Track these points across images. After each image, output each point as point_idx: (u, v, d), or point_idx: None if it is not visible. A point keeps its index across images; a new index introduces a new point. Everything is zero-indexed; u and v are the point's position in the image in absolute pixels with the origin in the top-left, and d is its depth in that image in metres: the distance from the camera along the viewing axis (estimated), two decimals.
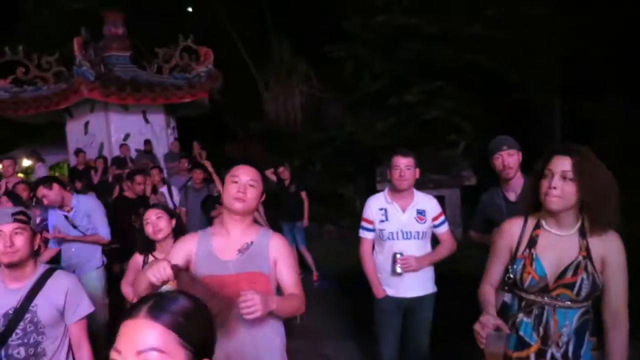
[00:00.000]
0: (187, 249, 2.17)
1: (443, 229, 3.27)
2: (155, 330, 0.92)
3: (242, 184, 2.12)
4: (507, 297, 2.06)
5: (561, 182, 1.84)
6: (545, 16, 8.25)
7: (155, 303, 0.96)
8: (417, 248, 3.18)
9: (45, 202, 4.15)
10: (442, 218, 3.28)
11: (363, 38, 9.65)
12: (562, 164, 1.84)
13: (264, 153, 10.50)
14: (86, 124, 10.59)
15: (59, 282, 2.24)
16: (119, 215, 5.17)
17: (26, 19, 14.84)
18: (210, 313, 1.05)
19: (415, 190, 3.28)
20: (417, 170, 3.21)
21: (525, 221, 2.05)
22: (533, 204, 2.00)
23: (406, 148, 3.32)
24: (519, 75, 8.60)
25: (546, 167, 1.89)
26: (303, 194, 6.81)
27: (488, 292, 2.12)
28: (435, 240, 3.30)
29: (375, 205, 3.32)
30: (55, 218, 4.28)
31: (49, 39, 12.91)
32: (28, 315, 2.15)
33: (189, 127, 11.79)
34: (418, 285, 3.22)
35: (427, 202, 3.26)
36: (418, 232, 3.19)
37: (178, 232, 3.07)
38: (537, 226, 2.01)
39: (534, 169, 1.98)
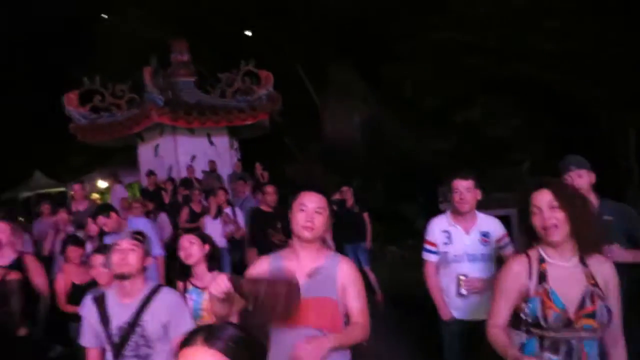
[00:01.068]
0: (259, 272, 2.25)
1: (508, 251, 3.20)
2: (212, 356, 1.03)
3: (310, 212, 2.16)
4: (523, 338, 2.01)
5: (552, 212, 1.91)
6: (615, 27, 7.89)
7: (209, 332, 1.07)
8: (482, 270, 3.13)
9: (106, 229, 4.45)
10: (507, 239, 3.23)
11: (421, 57, 9.62)
12: (544, 197, 1.93)
13: (324, 173, 10.62)
14: (156, 147, 11.17)
15: (164, 299, 2.38)
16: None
17: (102, 51, 15.96)
18: (259, 339, 1.15)
19: (477, 212, 3.24)
20: (478, 192, 3.19)
21: (528, 257, 2.03)
22: (528, 242, 2.06)
23: (467, 169, 3.30)
24: (588, 90, 8.24)
25: (531, 205, 1.97)
26: (365, 215, 6.83)
27: (500, 335, 2.05)
28: (501, 262, 3.23)
29: (438, 228, 3.30)
30: None
31: (122, 69, 13.79)
32: (138, 329, 2.30)
33: (251, 148, 12.14)
34: (485, 307, 3.15)
35: (491, 224, 3.21)
36: (483, 254, 3.15)
37: (212, 257, 3.12)
38: (542, 260, 2.00)
39: (519, 209, 2.07)
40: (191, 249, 3.04)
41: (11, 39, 19.47)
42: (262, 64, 11.58)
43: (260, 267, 2.26)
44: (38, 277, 3.85)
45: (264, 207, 5.62)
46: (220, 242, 6.88)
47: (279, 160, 12.33)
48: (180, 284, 3.19)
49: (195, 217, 7.98)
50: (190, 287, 3.09)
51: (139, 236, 2.43)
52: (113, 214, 4.45)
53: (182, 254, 3.08)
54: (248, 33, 16.13)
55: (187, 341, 1.06)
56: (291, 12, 13.64)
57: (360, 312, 2.15)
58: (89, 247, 4.54)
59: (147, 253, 2.43)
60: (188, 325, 2.41)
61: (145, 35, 15.05)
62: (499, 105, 8.80)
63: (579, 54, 8.03)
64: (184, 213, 8.00)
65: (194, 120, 10.43)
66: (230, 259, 6.84)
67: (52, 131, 16.05)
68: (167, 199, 9.07)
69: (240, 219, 7.03)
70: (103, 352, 2.41)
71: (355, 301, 2.16)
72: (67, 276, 4.12)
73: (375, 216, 7.49)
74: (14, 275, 3.27)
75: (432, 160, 9.29)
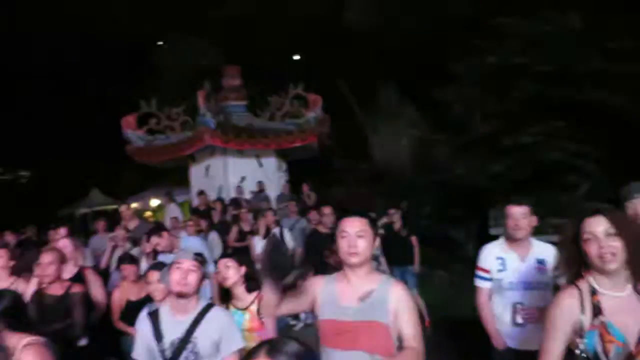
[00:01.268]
0: (313, 291, 2.29)
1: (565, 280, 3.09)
2: None
3: (352, 238, 2.18)
4: None
5: (609, 240, 1.83)
6: None
7: (272, 346, 1.11)
8: (539, 299, 3.03)
9: (159, 249, 4.60)
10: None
11: (472, 79, 9.52)
12: (600, 224, 1.86)
13: (371, 196, 10.59)
14: (207, 168, 11.51)
15: (216, 318, 2.46)
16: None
17: (158, 76, 16.74)
18: (318, 355, 1.19)
19: (532, 239, 3.15)
20: (534, 218, 3.11)
21: (579, 289, 1.92)
22: (577, 271, 1.96)
23: (521, 193, 3.23)
24: None
25: (584, 232, 1.89)
26: (414, 239, 6.75)
27: None
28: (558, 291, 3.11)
29: (492, 254, 3.23)
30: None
31: (176, 93, 14.39)
32: (190, 345, 2.37)
33: (298, 169, 12.30)
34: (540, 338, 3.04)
35: (547, 251, 3.12)
36: (539, 283, 3.06)
37: (249, 278, 3.15)
38: (594, 292, 1.89)
39: (565, 236, 1.99)
40: (227, 272, 3.09)
41: (76, 66, 20.77)
42: (310, 88, 11.79)
43: (316, 286, 2.30)
44: (96, 290, 4.03)
45: (320, 229, 5.66)
46: None
47: (326, 182, 12.41)
48: (222, 306, 3.23)
49: (244, 236, 8.14)
50: (232, 308, 3.13)
51: (199, 257, 2.52)
52: (165, 234, 4.63)
53: (219, 277, 3.15)
54: (296, 57, 16.52)
55: (251, 354, 1.09)
56: (339, 36, 13.87)
57: (413, 338, 2.13)
58: (144, 264, 4.71)
59: (204, 275, 2.53)
60: (238, 343, 2.49)
61: (198, 61, 15.70)
62: (554, 128, 8.54)
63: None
64: (234, 232, 8.17)
65: (244, 143, 10.72)
66: None
67: (109, 151, 16.87)
68: (216, 218, 9.29)
69: (288, 239, 7.10)
70: None
71: (408, 326, 2.14)
72: (123, 293, 4.26)
73: (423, 240, 7.37)
74: (77, 288, 3.44)
75: (483, 184, 9.07)
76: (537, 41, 8.88)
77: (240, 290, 3.12)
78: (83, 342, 3.34)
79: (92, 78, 20.65)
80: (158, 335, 2.42)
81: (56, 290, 3.39)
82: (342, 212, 2.30)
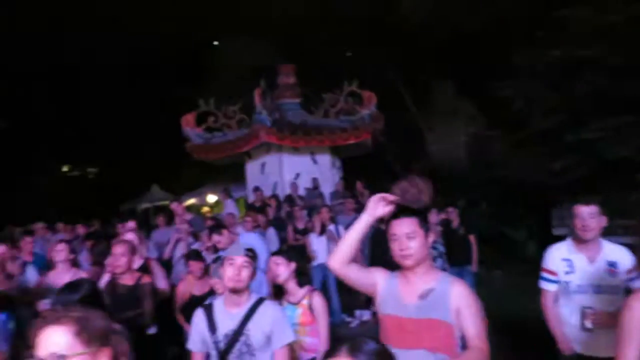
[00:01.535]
0: (375, 279, 2.31)
1: (639, 284, 2.93)
2: None
3: (402, 240, 2.17)
4: None
5: None
6: None
7: (352, 345, 1.13)
8: (610, 303, 2.89)
9: (219, 246, 4.75)
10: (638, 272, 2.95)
11: (533, 73, 9.16)
12: None
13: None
14: (262, 165, 11.72)
15: (267, 311, 2.53)
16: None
17: (216, 75, 17.21)
18: (395, 356, 1.19)
19: (602, 240, 3.01)
20: (604, 219, 2.95)
21: None
22: None
23: (585, 192, 3.09)
24: None
25: None
26: (472, 237, 6.60)
27: None
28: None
29: (558, 256, 3.12)
30: None
31: (233, 92, 14.73)
32: (243, 338, 2.46)
33: (352, 166, 12.30)
34: (610, 343, 2.91)
35: (619, 253, 2.97)
36: (610, 286, 2.91)
37: (300, 273, 3.22)
38: None
39: None
40: (277, 270, 3.16)
41: (138, 67, 21.68)
42: (365, 84, 11.75)
43: (380, 277, 2.32)
44: (160, 281, 4.22)
45: (384, 226, 5.67)
46: (325, 258, 7.04)
47: (380, 179, 12.33)
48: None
49: (297, 233, 8.25)
50: (285, 303, 3.19)
51: (250, 253, 2.60)
52: (225, 232, 4.78)
53: (270, 275, 3.23)
54: (351, 54, 16.47)
55: (332, 352, 1.12)
56: (393, 31, 13.73)
57: (477, 336, 2.09)
58: (208, 259, 4.88)
59: (255, 270, 2.60)
60: (289, 337, 2.55)
61: (254, 60, 15.98)
62: (621, 123, 8.08)
63: None
64: (290, 231, 8.30)
65: (299, 140, 10.82)
66: (333, 275, 6.92)
67: (170, 149, 17.53)
68: (271, 214, 9.45)
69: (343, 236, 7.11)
70: (208, 357, 2.57)
71: (471, 324, 2.11)
72: (187, 287, 4.43)
73: (480, 239, 7.19)
74: (146, 279, 3.62)
75: (544, 181, 8.73)
76: (603, 32, 8.44)
77: (291, 286, 3.17)
78: (152, 330, 3.51)
79: (154, 79, 21.48)
80: (212, 327, 2.51)
81: (127, 280, 3.58)
82: (391, 215, 2.26)
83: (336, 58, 14.95)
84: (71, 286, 2.62)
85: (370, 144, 11.68)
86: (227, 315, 2.53)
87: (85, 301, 2.53)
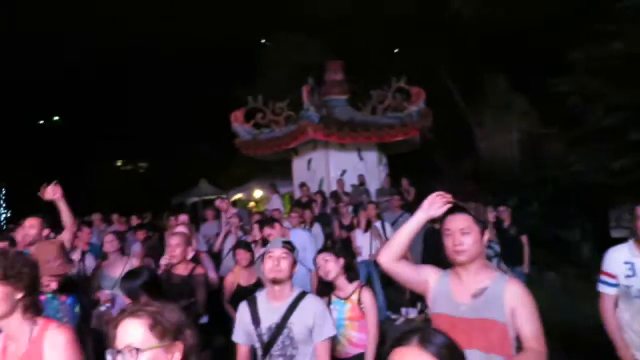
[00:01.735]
0: (428, 277, 2.29)
1: None
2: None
3: (456, 236, 2.14)
4: None
5: None
6: None
7: (423, 337, 1.12)
8: None
9: (270, 239, 4.81)
10: None
11: (593, 68, 8.74)
12: None
13: (475, 192, 10.20)
14: (309, 161, 11.79)
15: (310, 305, 2.55)
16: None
17: (265, 73, 17.45)
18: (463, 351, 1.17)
19: None
20: None
21: None
22: None
23: None
24: None
25: None
26: (524, 238, 6.41)
27: None
28: None
29: (619, 259, 2.98)
30: None
31: (281, 89, 14.90)
32: (286, 331, 2.50)
33: (399, 163, 12.18)
34: None
35: None
36: None
37: (349, 269, 3.23)
38: None
39: None
40: (327, 267, 3.17)
41: (189, 66, 22.32)
42: (413, 81, 11.59)
43: (433, 275, 2.30)
44: (210, 273, 4.33)
45: (438, 226, 5.61)
46: (370, 255, 7.02)
47: (427, 177, 12.16)
48: (324, 299, 3.26)
49: (343, 229, 8.26)
50: (334, 299, 3.21)
51: (288, 245, 2.64)
52: (277, 225, 4.85)
53: (320, 273, 3.23)
54: (399, 50, 16.30)
55: (402, 341, 1.11)
56: (443, 26, 13.47)
57: (534, 338, 2.04)
58: (255, 250, 4.97)
59: (295, 261, 2.62)
60: (330, 331, 2.56)
61: (301, 57, 16.10)
62: None
63: None
64: (335, 226, 8.33)
65: (346, 137, 10.81)
66: (378, 271, 6.89)
67: (218, 145, 17.94)
68: (317, 210, 9.50)
69: (390, 233, 7.07)
70: (252, 349, 2.62)
71: (527, 325, 2.05)
72: (235, 277, 4.52)
73: (533, 240, 6.97)
74: (200, 270, 3.73)
75: (601, 181, 8.34)
76: None
77: (341, 281, 3.19)
78: (204, 320, 3.62)
79: (205, 77, 22.04)
80: (256, 320, 2.55)
81: (182, 271, 3.70)
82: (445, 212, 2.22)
83: (384, 54, 14.84)
84: (133, 274, 2.76)
85: (418, 141, 11.54)
86: (270, 308, 2.57)
87: (145, 288, 2.66)
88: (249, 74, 18.23)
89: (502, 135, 11.39)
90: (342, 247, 7.41)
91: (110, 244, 4.30)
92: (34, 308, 1.91)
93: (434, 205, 2.19)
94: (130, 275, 2.76)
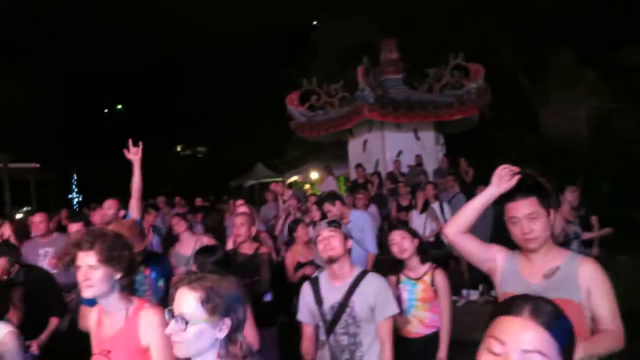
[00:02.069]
0: (496, 256, 2.22)
1: None
2: (541, 335, 1.00)
3: (524, 223, 2.05)
4: None
5: None
6: None
7: (535, 307, 1.04)
8: None
9: (329, 216, 4.83)
10: None
11: None
12: None
13: (539, 172, 9.78)
14: (364, 142, 11.73)
15: (371, 283, 2.55)
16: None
17: (319, 54, 17.43)
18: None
19: None
20: None
21: None
22: None
23: None
24: None
25: None
26: (594, 219, 6.11)
27: None
28: None
29: None
30: None
31: (334, 70, 14.83)
32: (348, 310, 2.52)
33: (456, 143, 11.88)
34: None
35: None
36: None
37: (422, 250, 3.18)
38: None
39: None
40: (404, 244, 3.11)
41: (245, 52, 22.68)
42: (472, 57, 11.19)
43: (500, 254, 2.23)
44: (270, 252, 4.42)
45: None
46: (426, 236, 6.93)
47: (486, 157, 11.79)
48: (392, 278, 3.26)
49: (401, 210, 8.20)
50: (403, 278, 3.19)
51: (334, 224, 2.64)
52: (338, 203, 4.84)
53: (395, 249, 3.16)
54: (454, 26, 15.74)
55: (511, 309, 1.05)
56: None
57: (610, 318, 1.96)
58: (311, 230, 5.02)
59: (346, 236, 2.61)
60: (393, 309, 2.55)
61: (355, 37, 15.92)
62: None
63: None
64: (393, 207, 8.27)
65: (401, 116, 10.65)
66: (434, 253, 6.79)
67: (274, 128, 18.19)
68: (373, 191, 9.46)
69: (448, 214, 6.95)
70: (316, 328, 2.67)
71: (603, 305, 1.97)
72: (294, 254, 4.63)
73: (603, 220, 6.63)
74: (264, 249, 3.83)
75: None
76: None
77: (414, 261, 3.16)
78: (267, 298, 3.71)
79: (259, 61, 22.33)
80: (318, 300, 2.59)
81: (247, 249, 3.81)
82: (506, 196, 2.12)
83: (440, 31, 14.38)
84: (207, 250, 2.89)
85: (477, 119, 11.20)
86: (332, 288, 2.60)
87: (217, 264, 2.78)
88: (303, 57, 18.27)
89: (569, 112, 10.78)
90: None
91: (178, 224, 4.50)
92: (129, 287, 2.03)
93: (503, 178, 2.10)
94: (205, 251, 2.89)
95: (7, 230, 5.23)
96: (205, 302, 1.38)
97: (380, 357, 2.54)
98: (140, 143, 3.64)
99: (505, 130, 12.66)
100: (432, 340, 3.08)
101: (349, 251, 2.64)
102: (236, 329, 1.42)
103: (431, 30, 14.17)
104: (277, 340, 3.79)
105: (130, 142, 3.62)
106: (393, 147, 11.16)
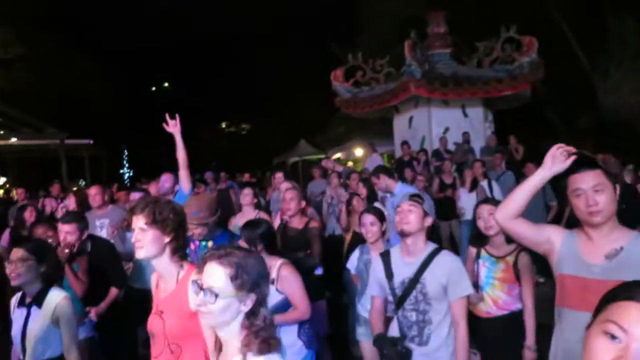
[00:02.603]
0: (552, 236, 2.15)
1: None
2: None
3: (589, 195, 1.95)
4: None
5: None
6: None
7: None
8: None
9: (375, 188, 4.88)
10: None
11: None
12: None
13: (595, 151, 9.35)
14: (410, 119, 11.52)
15: (444, 261, 2.51)
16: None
17: (364, 30, 17.13)
18: None
19: None
20: None
21: None
22: None
23: None
24: None
25: None
26: None
27: None
28: None
29: None
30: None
31: (381, 44, 14.56)
32: (419, 286, 2.49)
33: (505, 120, 11.50)
34: None
35: None
36: None
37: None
38: None
39: None
40: (491, 220, 2.96)
41: (291, 28, 22.61)
42: (525, 29, 10.70)
43: (557, 234, 2.16)
44: None
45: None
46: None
47: (537, 135, 11.38)
48: (472, 250, 3.24)
49: (444, 188, 8.06)
50: (484, 254, 3.12)
51: (416, 198, 2.61)
52: (382, 175, 4.84)
53: (481, 224, 3.09)
54: None
55: (625, 294, 0.98)
56: None
57: None
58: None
59: (426, 213, 2.57)
60: (466, 289, 2.49)
61: (401, 11, 15.52)
62: None
63: None
64: (435, 184, 8.15)
65: (449, 92, 10.35)
66: None
67: (318, 104, 18.16)
68: (418, 169, 9.34)
69: (497, 192, 6.79)
70: (385, 301, 2.68)
71: None
72: (352, 226, 4.63)
73: None
74: (314, 224, 3.87)
75: None
76: None
77: (499, 239, 3.06)
78: (319, 271, 3.76)
79: (304, 37, 22.22)
80: (389, 274, 2.58)
81: (297, 224, 3.86)
82: (568, 170, 2.02)
83: (491, 1, 13.78)
84: (252, 224, 2.95)
85: (529, 95, 10.77)
86: (403, 263, 2.58)
87: (262, 238, 2.84)
88: (349, 32, 18.02)
89: (630, 87, 10.17)
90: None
91: (248, 196, 4.71)
92: (181, 252, 2.11)
93: (557, 159, 2.02)
94: (251, 225, 2.94)
95: (72, 202, 5.51)
96: (234, 278, 1.42)
97: (453, 337, 2.51)
98: (177, 115, 3.78)
99: (559, 107, 12.11)
100: (502, 323, 3.01)
101: (426, 228, 2.60)
102: (260, 303, 1.47)
103: (481, 0, 13.61)
104: (326, 313, 3.85)
105: (167, 115, 3.75)
106: (440, 124, 10.92)
